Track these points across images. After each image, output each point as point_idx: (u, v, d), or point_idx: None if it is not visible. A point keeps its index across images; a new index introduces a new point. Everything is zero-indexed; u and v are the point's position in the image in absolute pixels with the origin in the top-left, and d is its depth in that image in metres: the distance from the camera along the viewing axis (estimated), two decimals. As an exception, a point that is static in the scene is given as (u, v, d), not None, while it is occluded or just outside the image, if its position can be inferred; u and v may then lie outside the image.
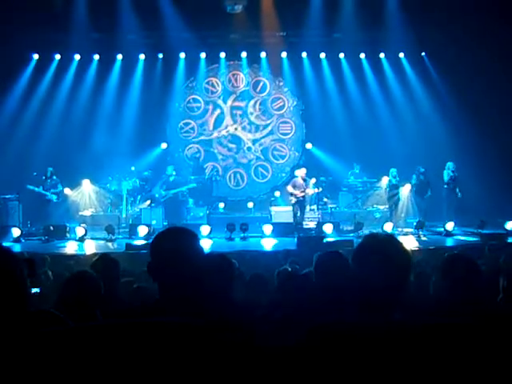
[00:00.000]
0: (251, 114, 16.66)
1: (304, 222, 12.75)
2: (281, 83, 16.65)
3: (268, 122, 16.69)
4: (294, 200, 12.47)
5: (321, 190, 13.13)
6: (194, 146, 16.50)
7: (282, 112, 16.73)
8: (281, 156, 16.68)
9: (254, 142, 16.64)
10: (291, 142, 16.70)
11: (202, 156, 16.32)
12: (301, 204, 12.55)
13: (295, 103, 16.68)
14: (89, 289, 3.16)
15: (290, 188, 12.60)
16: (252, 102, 16.67)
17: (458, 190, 12.92)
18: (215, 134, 16.52)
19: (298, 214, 12.52)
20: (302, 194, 12.44)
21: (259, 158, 16.63)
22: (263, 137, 16.67)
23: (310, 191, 12.79)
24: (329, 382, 1.58)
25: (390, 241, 1.92)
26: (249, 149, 16.61)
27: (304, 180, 12.66)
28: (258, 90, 16.69)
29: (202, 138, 16.50)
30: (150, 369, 1.56)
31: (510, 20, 12.67)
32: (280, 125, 16.72)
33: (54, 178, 12.85)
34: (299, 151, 16.63)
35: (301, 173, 12.72)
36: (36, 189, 12.66)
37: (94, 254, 8.77)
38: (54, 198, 12.76)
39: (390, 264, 1.84)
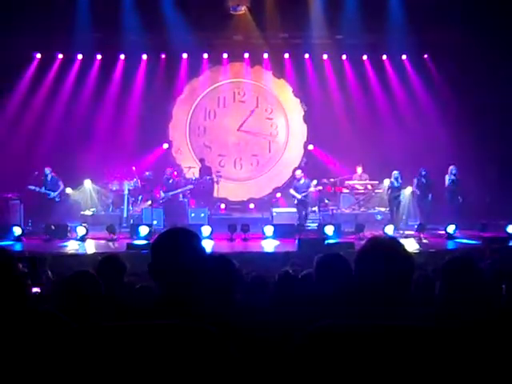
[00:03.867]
0: (253, 114, 16.61)
1: (306, 224, 12.87)
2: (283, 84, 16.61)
3: (270, 123, 16.66)
4: (296, 201, 12.90)
5: (321, 188, 13.34)
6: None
7: (284, 113, 16.70)
8: (282, 157, 16.65)
9: (256, 142, 16.61)
10: (293, 143, 16.66)
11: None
12: (304, 204, 12.87)
13: (297, 104, 16.64)
14: (88, 288, 3.16)
15: (292, 190, 13.06)
16: (254, 103, 16.63)
17: (459, 196, 12.93)
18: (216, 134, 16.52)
19: (303, 214, 12.87)
20: (304, 194, 12.78)
21: (260, 159, 16.61)
22: (265, 137, 16.65)
23: (312, 189, 12.98)
24: (329, 384, 1.58)
25: (393, 244, 1.93)
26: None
27: (303, 181, 13.01)
28: (260, 91, 16.66)
29: (205, 138, 16.51)
30: (158, 370, 1.57)
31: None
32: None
33: (52, 176, 12.87)
34: (301, 152, 16.60)
35: (300, 174, 13.21)
36: (37, 189, 12.67)
37: (95, 254, 8.78)
38: (55, 196, 12.75)
39: (392, 267, 1.84)
